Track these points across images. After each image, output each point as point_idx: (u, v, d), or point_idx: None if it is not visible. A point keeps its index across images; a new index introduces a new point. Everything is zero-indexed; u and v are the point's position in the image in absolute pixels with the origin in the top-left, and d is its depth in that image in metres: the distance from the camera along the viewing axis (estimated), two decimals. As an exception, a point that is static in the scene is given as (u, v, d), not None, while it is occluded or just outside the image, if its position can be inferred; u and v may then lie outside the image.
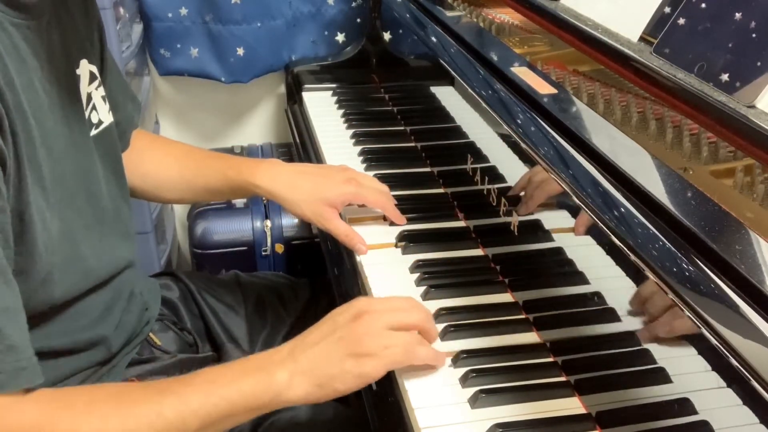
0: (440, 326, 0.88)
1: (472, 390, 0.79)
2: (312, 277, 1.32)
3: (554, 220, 0.89)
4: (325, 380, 0.76)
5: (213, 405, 0.73)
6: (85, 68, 0.90)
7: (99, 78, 0.95)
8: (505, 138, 0.99)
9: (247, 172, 1.09)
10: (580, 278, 0.83)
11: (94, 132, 0.91)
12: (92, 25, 0.96)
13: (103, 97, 0.95)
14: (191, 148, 1.20)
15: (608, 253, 0.77)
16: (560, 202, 0.87)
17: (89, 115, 0.90)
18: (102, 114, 0.94)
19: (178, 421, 0.71)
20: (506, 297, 0.95)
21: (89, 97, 0.91)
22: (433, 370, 0.82)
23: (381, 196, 1.10)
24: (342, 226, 1.05)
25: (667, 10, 0.94)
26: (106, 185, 0.92)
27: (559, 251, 0.87)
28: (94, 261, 0.87)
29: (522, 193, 0.95)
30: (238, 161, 1.14)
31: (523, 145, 0.90)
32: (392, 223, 1.10)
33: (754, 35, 0.79)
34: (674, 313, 0.64)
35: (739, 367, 0.55)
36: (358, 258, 1.04)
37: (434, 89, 1.30)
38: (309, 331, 0.81)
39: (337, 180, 1.08)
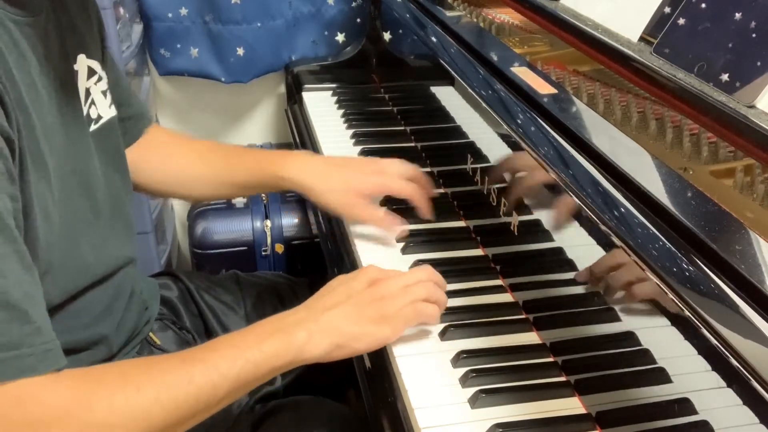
0: (440, 326, 0.88)
1: (472, 390, 0.79)
2: (312, 277, 1.32)
3: (554, 220, 0.89)
4: (344, 340, 0.80)
5: (240, 368, 0.75)
6: (83, 63, 0.90)
7: (98, 72, 0.94)
8: (505, 138, 0.99)
9: (274, 165, 1.09)
10: (580, 278, 0.83)
11: (93, 127, 0.91)
12: (91, 20, 0.96)
13: (104, 92, 0.95)
14: (214, 144, 1.19)
15: (608, 253, 0.77)
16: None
17: (88, 111, 0.90)
18: (102, 109, 0.94)
19: (209, 386, 0.73)
20: (506, 297, 0.95)
21: (87, 93, 0.91)
22: (433, 370, 0.82)
23: (408, 187, 1.08)
24: (379, 212, 1.05)
25: (667, 10, 0.94)
26: (105, 181, 0.92)
27: (559, 251, 0.88)
28: (92, 258, 0.87)
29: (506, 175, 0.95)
30: (265, 154, 1.15)
31: (523, 145, 0.90)
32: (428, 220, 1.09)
33: (754, 35, 0.79)
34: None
35: (739, 367, 0.55)
36: (359, 258, 1.04)
37: (434, 89, 1.30)
38: (320, 295, 0.85)
39: (366, 171, 1.08)
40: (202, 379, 0.73)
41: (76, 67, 0.89)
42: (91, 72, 0.93)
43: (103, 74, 0.96)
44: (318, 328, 0.80)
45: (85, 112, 0.89)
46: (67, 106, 0.84)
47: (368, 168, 1.09)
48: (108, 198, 0.92)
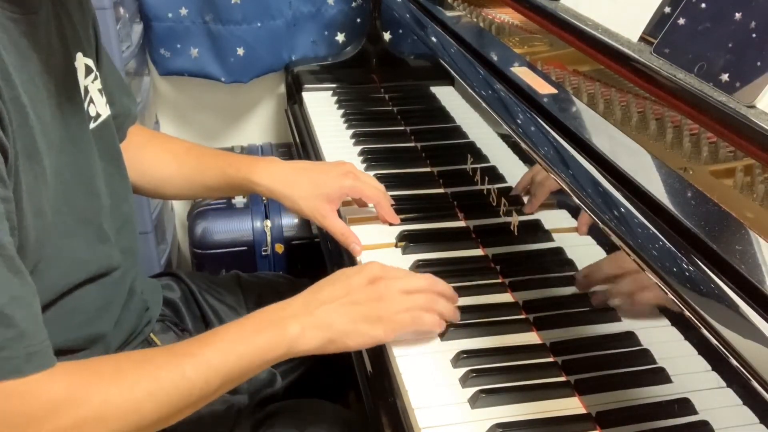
0: (440, 326, 0.88)
1: (472, 390, 0.79)
2: (312, 277, 1.32)
3: (554, 220, 0.89)
4: (337, 336, 0.82)
5: (232, 362, 0.77)
6: (80, 61, 0.90)
7: (95, 71, 0.94)
8: (505, 138, 0.99)
9: (246, 170, 1.10)
10: (580, 278, 0.83)
11: (92, 125, 0.91)
12: (87, 18, 0.96)
13: (100, 90, 0.95)
14: (190, 145, 1.20)
15: (608, 253, 0.77)
16: (560, 202, 0.87)
17: (87, 108, 0.90)
18: (99, 107, 0.94)
19: (201, 381, 0.75)
20: (506, 297, 0.95)
21: (86, 90, 0.91)
22: (433, 370, 0.82)
23: (377, 192, 1.10)
24: (339, 224, 1.05)
25: (667, 10, 0.94)
26: (105, 179, 0.92)
27: (559, 251, 0.87)
28: (87, 254, 0.86)
29: (524, 194, 0.95)
30: (237, 159, 1.15)
31: (523, 145, 0.90)
32: (391, 224, 1.10)
33: (754, 35, 0.79)
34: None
35: (739, 367, 0.55)
36: (359, 258, 1.04)
37: (434, 89, 1.30)
38: (320, 287, 0.86)
39: (334, 174, 1.09)
40: (195, 374, 0.74)
41: (75, 64, 0.89)
42: (88, 70, 0.93)
43: (98, 72, 0.96)
44: (312, 323, 0.81)
45: (85, 110, 0.89)
46: (68, 102, 0.84)
47: (337, 170, 1.10)
48: (109, 195, 0.92)
